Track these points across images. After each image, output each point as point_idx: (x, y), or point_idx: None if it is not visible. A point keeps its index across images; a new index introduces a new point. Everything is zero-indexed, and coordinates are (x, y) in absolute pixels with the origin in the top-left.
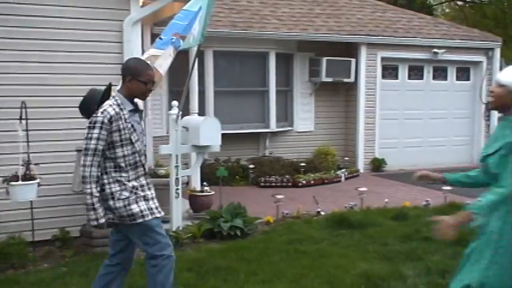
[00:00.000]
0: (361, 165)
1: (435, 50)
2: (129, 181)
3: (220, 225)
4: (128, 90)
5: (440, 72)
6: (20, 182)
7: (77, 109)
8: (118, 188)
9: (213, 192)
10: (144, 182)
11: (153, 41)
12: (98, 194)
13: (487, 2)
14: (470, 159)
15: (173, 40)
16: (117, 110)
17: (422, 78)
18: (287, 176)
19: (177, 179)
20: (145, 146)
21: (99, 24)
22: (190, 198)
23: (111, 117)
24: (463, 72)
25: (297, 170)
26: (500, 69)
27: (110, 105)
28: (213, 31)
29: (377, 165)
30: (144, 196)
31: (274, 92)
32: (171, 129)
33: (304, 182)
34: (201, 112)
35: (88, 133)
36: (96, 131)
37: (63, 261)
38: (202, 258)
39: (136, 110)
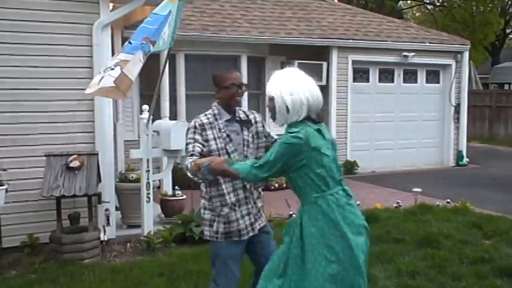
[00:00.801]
0: None
1: (405, 53)
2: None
3: (192, 230)
4: (220, 99)
5: (410, 75)
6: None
7: (44, 113)
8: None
9: (184, 197)
10: (241, 195)
11: (124, 44)
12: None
13: (456, 6)
14: (440, 161)
15: (143, 44)
16: (211, 119)
17: (393, 81)
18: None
19: (148, 183)
20: (246, 157)
21: (68, 28)
22: (161, 203)
23: (202, 124)
24: (433, 75)
25: None
26: (469, 72)
27: (205, 114)
28: (184, 34)
29: (349, 167)
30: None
31: (246, 95)
32: (142, 133)
33: (276, 185)
34: (173, 116)
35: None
36: (190, 135)
37: (32, 268)
38: (173, 262)
39: (234, 119)
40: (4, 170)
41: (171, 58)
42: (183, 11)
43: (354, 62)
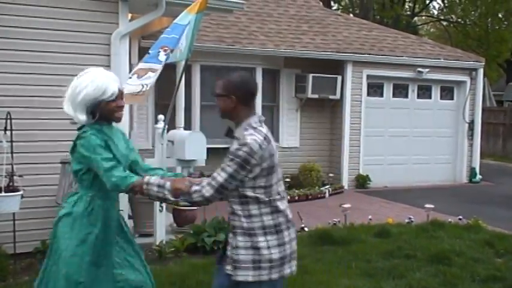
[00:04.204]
0: (346, 181)
1: (420, 69)
2: None
3: (204, 240)
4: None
5: (424, 91)
6: (3, 194)
7: (60, 121)
8: None
9: (197, 207)
10: None
11: (140, 54)
12: None
13: (471, 23)
14: (453, 177)
15: (159, 53)
16: None
17: (407, 97)
18: None
19: None
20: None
21: (87, 37)
22: (174, 212)
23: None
24: (447, 92)
25: None
26: (484, 89)
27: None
28: (200, 46)
29: (361, 182)
30: None
31: (260, 107)
32: (157, 142)
33: (288, 197)
34: (187, 126)
35: None
36: None
37: None
38: (185, 272)
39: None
40: (20, 176)
41: (187, 69)
42: (200, 23)
43: (368, 76)
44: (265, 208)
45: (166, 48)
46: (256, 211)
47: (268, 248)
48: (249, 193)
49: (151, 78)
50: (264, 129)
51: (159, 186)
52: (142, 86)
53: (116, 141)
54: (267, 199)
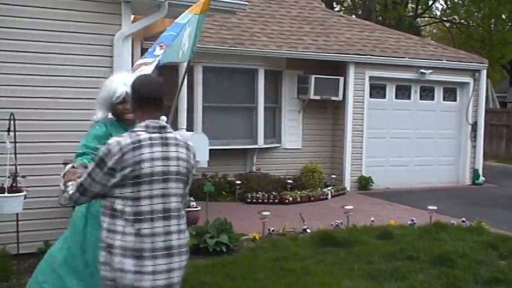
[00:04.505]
0: (348, 183)
1: (422, 70)
2: None
3: (206, 241)
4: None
5: (427, 93)
6: (6, 194)
7: (63, 122)
8: None
9: (199, 208)
10: None
11: (143, 55)
12: None
13: (474, 24)
14: (456, 179)
15: (155, 48)
16: None
17: (409, 98)
18: (274, 193)
19: None
20: None
21: (90, 39)
22: None
23: None
24: (450, 93)
25: (284, 186)
26: (487, 90)
27: None
28: (202, 47)
29: (364, 183)
30: None
31: (262, 108)
32: None
33: (290, 199)
34: (189, 127)
35: None
36: None
37: None
38: (187, 274)
39: None
40: (23, 177)
41: (189, 70)
42: (203, 24)
43: (370, 77)
44: (128, 227)
45: (162, 45)
46: (120, 228)
47: (122, 271)
48: (118, 206)
49: (143, 71)
50: (149, 135)
51: (64, 173)
52: None
53: None
54: (131, 217)
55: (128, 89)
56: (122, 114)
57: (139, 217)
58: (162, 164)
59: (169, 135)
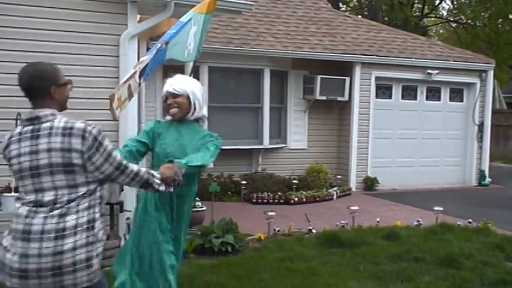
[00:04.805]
0: (354, 183)
1: (429, 71)
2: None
3: (212, 241)
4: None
5: (433, 93)
6: (12, 194)
7: None
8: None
9: (204, 208)
10: None
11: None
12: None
13: (481, 24)
14: (462, 180)
15: (157, 46)
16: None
17: (415, 99)
18: (279, 193)
19: None
20: None
21: (95, 38)
22: None
23: None
24: (457, 94)
25: (289, 187)
26: (494, 91)
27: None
28: (208, 47)
29: (369, 184)
30: None
31: (268, 108)
32: None
33: (296, 199)
34: None
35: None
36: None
37: None
38: (192, 273)
39: None
40: None
41: (195, 70)
42: (209, 24)
43: (377, 78)
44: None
45: (162, 42)
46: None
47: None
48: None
49: (141, 63)
50: (21, 129)
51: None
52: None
53: (166, 134)
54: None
55: (170, 88)
56: (167, 110)
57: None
58: (30, 159)
59: (43, 125)
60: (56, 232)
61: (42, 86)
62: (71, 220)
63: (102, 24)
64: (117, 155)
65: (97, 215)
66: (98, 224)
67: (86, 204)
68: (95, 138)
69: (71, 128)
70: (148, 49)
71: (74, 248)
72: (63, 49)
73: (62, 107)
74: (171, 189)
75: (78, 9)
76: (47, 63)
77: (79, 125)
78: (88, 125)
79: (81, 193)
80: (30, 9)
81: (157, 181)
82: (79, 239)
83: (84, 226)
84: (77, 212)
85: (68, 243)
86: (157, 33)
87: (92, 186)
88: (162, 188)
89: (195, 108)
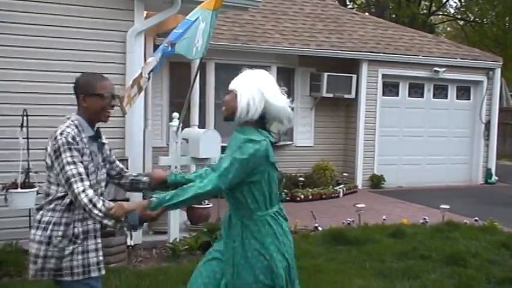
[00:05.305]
0: (360, 181)
1: (436, 69)
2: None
3: (218, 238)
4: (86, 110)
5: (440, 91)
6: (19, 190)
7: None
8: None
9: (211, 205)
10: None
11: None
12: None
13: (488, 22)
14: (469, 178)
15: (165, 46)
16: (76, 132)
17: (422, 96)
18: (285, 190)
19: None
20: (98, 183)
21: (102, 35)
22: (187, 210)
23: (74, 137)
24: (464, 91)
25: (295, 184)
26: (501, 89)
27: (68, 125)
28: (215, 44)
29: (376, 181)
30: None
31: None
32: (171, 140)
33: (302, 196)
34: (202, 124)
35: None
36: (67, 154)
37: None
38: None
39: (96, 138)
40: (36, 172)
41: (201, 67)
42: (216, 21)
43: (384, 75)
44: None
45: (169, 43)
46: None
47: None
48: None
49: (147, 66)
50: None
51: None
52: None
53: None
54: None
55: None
56: None
57: None
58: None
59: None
60: (34, 221)
61: (75, 93)
62: (39, 215)
63: (109, 20)
64: (72, 169)
65: (55, 219)
66: (53, 228)
67: (52, 206)
68: (58, 148)
69: (55, 133)
70: (155, 46)
71: (33, 240)
72: (69, 45)
73: (93, 116)
74: (126, 230)
75: (84, 5)
76: (91, 73)
77: (57, 130)
78: (61, 133)
79: (53, 193)
80: (37, 5)
81: (100, 214)
82: (35, 234)
83: (42, 225)
84: (47, 210)
85: (33, 233)
86: (164, 30)
87: (61, 189)
88: (107, 222)
89: (246, 108)
